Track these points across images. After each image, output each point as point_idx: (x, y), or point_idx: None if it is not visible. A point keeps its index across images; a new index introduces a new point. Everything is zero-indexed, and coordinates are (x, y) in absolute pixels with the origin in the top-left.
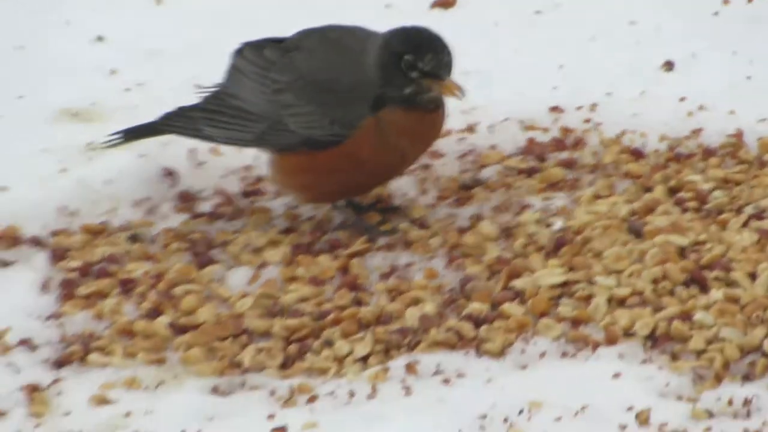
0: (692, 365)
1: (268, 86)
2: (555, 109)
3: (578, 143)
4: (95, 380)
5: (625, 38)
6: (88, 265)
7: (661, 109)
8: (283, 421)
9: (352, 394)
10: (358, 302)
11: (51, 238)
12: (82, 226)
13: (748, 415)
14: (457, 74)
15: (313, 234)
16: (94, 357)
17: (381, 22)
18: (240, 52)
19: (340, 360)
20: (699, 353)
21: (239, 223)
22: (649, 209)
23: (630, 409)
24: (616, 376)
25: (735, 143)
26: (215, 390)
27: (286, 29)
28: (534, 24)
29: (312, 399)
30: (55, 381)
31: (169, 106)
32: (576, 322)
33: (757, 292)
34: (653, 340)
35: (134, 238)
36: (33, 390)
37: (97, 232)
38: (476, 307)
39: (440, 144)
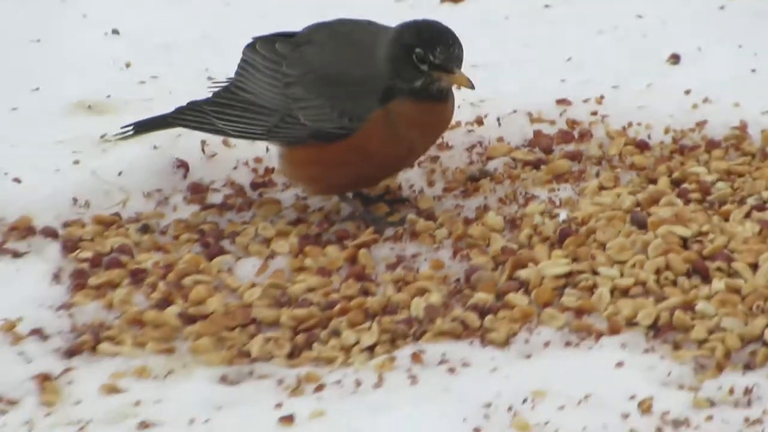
0: (694, 355)
1: (279, 80)
2: (562, 101)
3: (584, 135)
4: (106, 369)
5: (632, 32)
6: (99, 255)
7: (666, 102)
8: (291, 410)
9: (358, 383)
10: (365, 292)
11: (63, 229)
12: (94, 217)
13: (749, 403)
14: (466, 67)
15: (321, 225)
16: (104, 346)
17: (392, 16)
18: (251, 47)
19: (347, 349)
20: (701, 343)
21: (249, 214)
22: (653, 200)
23: (632, 397)
24: (619, 365)
25: (739, 135)
26: (224, 379)
27: (297, 23)
28: (542, 18)
29: (319, 388)
30: (66, 370)
31: (183, 99)
32: (579, 312)
33: (759, 283)
34: (656, 329)
35: (145, 229)
36: (44, 379)
37: (108, 223)
38: (481, 297)
39: (448, 136)
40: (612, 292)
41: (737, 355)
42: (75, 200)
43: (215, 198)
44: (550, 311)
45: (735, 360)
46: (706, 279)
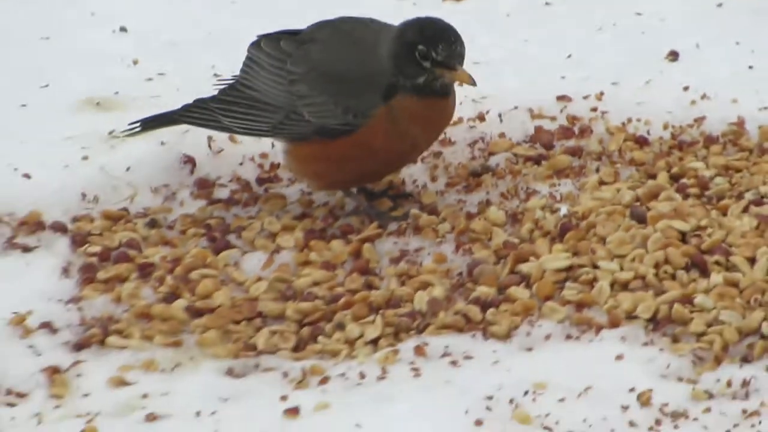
0: (692, 347)
1: (283, 77)
2: (563, 98)
3: (585, 131)
4: (114, 362)
5: (631, 29)
6: (107, 250)
7: (665, 98)
8: (296, 402)
9: (362, 376)
10: (369, 286)
11: (72, 224)
12: (102, 212)
13: (747, 396)
14: (468, 64)
15: (326, 220)
16: (112, 340)
17: (395, 14)
18: (256, 45)
19: (351, 342)
20: (699, 336)
21: (255, 209)
22: (653, 195)
23: (632, 390)
24: (619, 358)
25: (736, 131)
26: (230, 372)
27: (302, 22)
28: (543, 15)
29: (324, 380)
30: (75, 363)
31: (189, 96)
32: (580, 306)
33: (756, 276)
34: (655, 323)
35: (152, 224)
36: (53, 372)
37: (117, 218)
38: (483, 290)
39: (451, 132)
40: (612, 285)
41: (735, 348)
42: (84, 195)
43: (222, 193)
44: (551, 305)
45: (733, 353)
46: (705, 273)
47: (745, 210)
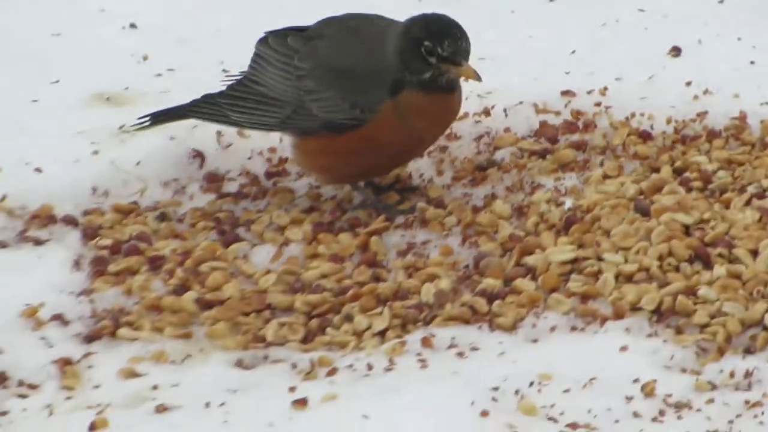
0: (696, 339)
1: (291, 73)
2: (567, 93)
3: (589, 126)
4: (124, 354)
5: (634, 25)
6: (118, 243)
7: (668, 93)
8: (305, 393)
9: (370, 367)
10: (377, 278)
11: (83, 217)
12: (113, 205)
13: (749, 386)
14: (474, 60)
15: (333, 213)
16: (123, 331)
17: (400, 10)
18: (264, 41)
19: (359, 334)
20: (702, 327)
21: (263, 203)
22: (656, 189)
23: (636, 381)
24: (623, 349)
25: (738, 125)
26: (239, 363)
27: (309, 18)
28: (547, 12)
29: (332, 372)
30: (86, 355)
31: (198, 91)
32: (585, 298)
33: (759, 269)
34: (659, 314)
35: (163, 217)
36: (65, 363)
37: (127, 212)
38: (489, 282)
39: (457, 126)
40: (616, 277)
41: (738, 340)
42: (94, 189)
43: (231, 187)
44: (556, 296)
45: (736, 344)
46: (708, 265)
47: (748, 203)
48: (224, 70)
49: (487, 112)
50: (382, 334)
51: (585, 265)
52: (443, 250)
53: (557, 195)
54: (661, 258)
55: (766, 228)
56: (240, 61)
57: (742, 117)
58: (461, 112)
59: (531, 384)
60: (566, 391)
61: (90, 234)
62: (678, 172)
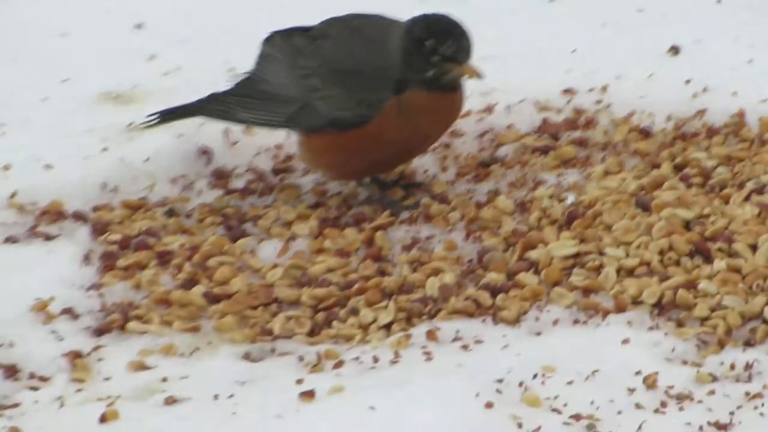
0: (697, 332)
1: (296, 71)
2: (568, 91)
3: (590, 123)
4: (134, 347)
5: (634, 24)
6: (127, 238)
7: (667, 91)
8: (311, 386)
9: (376, 360)
10: (382, 273)
11: (93, 213)
12: (122, 201)
13: (750, 378)
14: (476, 58)
15: (339, 209)
16: (132, 325)
17: (404, 10)
18: (269, 40)
19: (364, 327)
20: (703, 320)
21: (270, 199)
22: (657, 185)
23: (638, 373)
24: (625, 342)
25: (737, 123)
26: (247, 356)
27: (313, 18)
28: (548, 11)
29: (338, 364)
30: (96, 348)
31: (205, 90)
32: (587, 291)
33: (758, 263)
34: (660, 307)
35: (171, 213)
36: (75, 357)
37: (136, 208)
38: (493, 277)
39: (460, 124)
40: (618, 271)
41: (738, 332)
42: (104, 185)
43: (238, 183)
44: (558, 290)
45: (736, 337)
46: (708, 259)
47: (747, 198)
48: (230, 69)
49: (489, 110)
50: (387, 327)
51: (587, 259)
52: (447, 244)
53: (559, 191)
54: (662, 252)
55: (765, 223)
56: (246, 60)
57: (741, 114)
58: (464, 110)
59: (534, 376)
60: (569, 383)
61: (99, 229)
62: (678, 168)
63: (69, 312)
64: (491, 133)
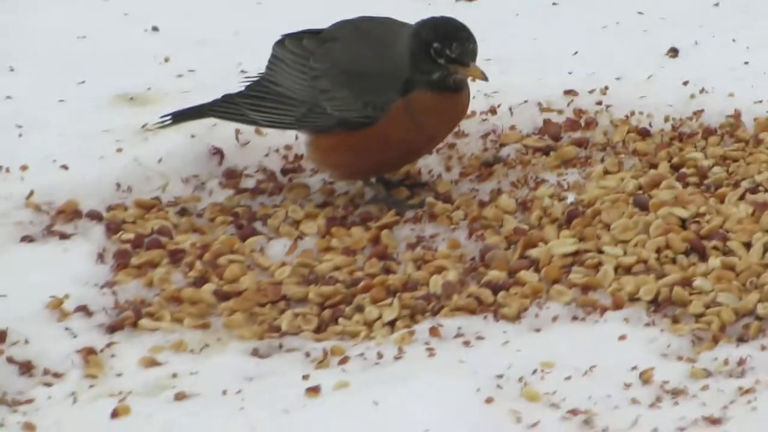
0: (692, 328)
1: (306, 73)
2: (569, 92)
3: (590, 123)
4: (145, 344)
5: (634, 27)
6: (140, 237)
7: (666, 92)
8: (318, 381)
9: (380, 356)
10: (387, 270)
11: (107, 212)
12: (135, 201)
13: (743, 374)
14: (480, 60)
15: (346, 208)
16: (144, 322)
17: (411, 13)
18: (281, 43)
19: (369, 324)
20: (698, 317)
21: (279, 198)
22: (654, 184)
23: (634, 368)
24: (622, 338)
25: (733, 123)
26: (255, 352)
27: (323, 21)
28: (550, 15)
29: (344, 360)
30: (109, 344)
31: (217, 91)
32: (586, 289)
33: (752, 260)
34: (656, 304)
35: (183, 212)
36: (88, 353)
37: (149, 207)
38: (495, 274)
39: (464, 124)
40: (616, 269)
41: (732, 329)
42: (118, 185)
43: (248, 183)
44: (558, 287)
45: (730, 333)
46: (703, 257)
47: (742, 198)
48: (242, 71)
49: (493, 111)
50: (391, 324)
51: (586, 257)
52: (451, 243)
53: (560, 190)
54: (658, 250)
55: (759, 221)
56: (257, 63)
57: (737, 115)
58: (469, 111)
59: (534, 372)
60: (567, 378)
61: (113, 228)
62: (675, 168)
63: (83, 309)
64: (494, 134)
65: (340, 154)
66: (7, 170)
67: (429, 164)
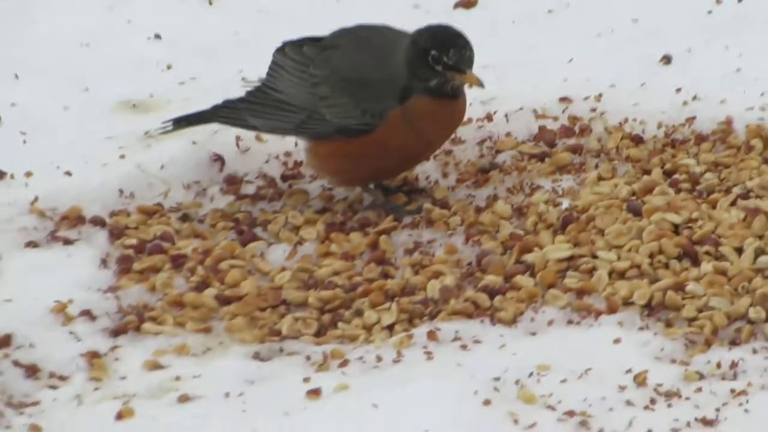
0: (685, 331)
1: (306, 80)
2: (564, 99)
3: (585, 130)
4: (149, 347)
5: (628, 35)
6: (143, 242)
7: (659, 99)
8: (318, 384)
9: (379, 359)
10: (386, 275)
11: (110, 218)
12: (138, 207)
13: (735, 376)
14: (477, 68)
15: (345, 214)
16: (147, 326)
17: (409, 21)
18: (281, 50)
19: (368, 328)
20: (691, 321)
21: (279, 204)
22: (648, 190)
23: (628, 371)
24: (616, 341)
25: (725, 130)
26: (256, 356)
27: (323, 29)
28: (546, 22)
29: (343, 363)
30: (113, 348)
31: (219, 98)
32: (580, 293)
33: (744, 265)
34: (650, 308)
35: (185, 218)
36: (92, 356)
37: (151, 213)
38: (491, 279)
39: (461, 131)
40: (610, 274)
41: (724, 332)
42: (121, 192)
43: (249, 189)
44: (553, 292)
45: (722, 336)
46: (696, 262)
47: (733, 203)
48: (243, 78)
49: (489, 118)
50: (390, 327)
51: (580, 262)
52: (448, 248)
53: (555, 196)
54: (651, 255)
55: (751, 227)
56: (258, 70)
57: (729, 122)
58: (465, 118)
59: (530, 374)
60: (563, 381)
61: (116, 234)
62: (668, 174)
63: (87, 314)
64: (490, 140)
65: (339, 160)
66: (12, 176)
67: (426, 170)
